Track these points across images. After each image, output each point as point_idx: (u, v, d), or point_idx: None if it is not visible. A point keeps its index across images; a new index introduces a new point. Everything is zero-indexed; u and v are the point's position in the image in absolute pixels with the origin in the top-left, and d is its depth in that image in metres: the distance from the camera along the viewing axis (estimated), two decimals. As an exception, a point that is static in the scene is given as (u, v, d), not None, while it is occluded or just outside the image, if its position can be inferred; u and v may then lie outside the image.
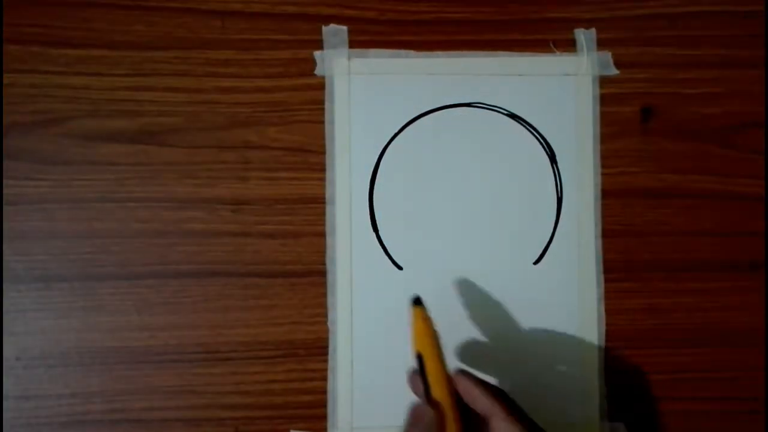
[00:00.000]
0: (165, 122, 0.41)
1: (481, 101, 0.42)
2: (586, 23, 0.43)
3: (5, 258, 0.40)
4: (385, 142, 0.42)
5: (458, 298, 0.41)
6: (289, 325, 0.41)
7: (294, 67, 0.42)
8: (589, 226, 0.42)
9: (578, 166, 0.42)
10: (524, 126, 0.42)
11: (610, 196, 0.42)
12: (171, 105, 0.41)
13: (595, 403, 0.41)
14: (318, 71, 0.42)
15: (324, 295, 0.41)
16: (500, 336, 0.41)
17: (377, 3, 0.42)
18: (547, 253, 0.42)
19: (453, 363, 0.39)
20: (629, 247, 0.42)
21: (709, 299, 0.42)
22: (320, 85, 0.42)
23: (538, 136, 0.42)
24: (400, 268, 0.41)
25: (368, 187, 0.42)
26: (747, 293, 0.42)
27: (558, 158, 0.42)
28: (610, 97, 0.43)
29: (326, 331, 0.41)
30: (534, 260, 0.42)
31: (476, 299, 0.41)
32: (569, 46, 0.43)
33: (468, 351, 0.41)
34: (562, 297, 0.41)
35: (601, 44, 0.43)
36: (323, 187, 0.41)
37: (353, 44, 0.42)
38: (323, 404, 0.41)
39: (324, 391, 0.41)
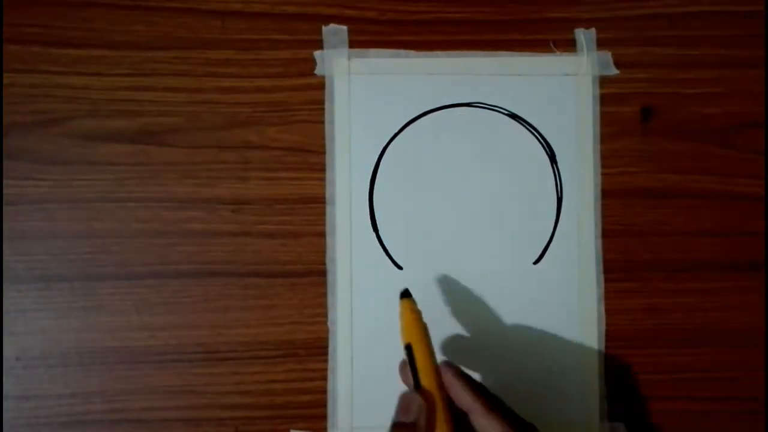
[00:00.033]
0: (165, 122, 0.41)
1: (481, 101, 0.42)
2: (586, 23, 0.43)
3: (5, 258, 0.40)
4: (385, 142, 0.42)
5: (458, 298, 0.41)
6: (289, 325, 0.41)
7: (294, 67, 0.42)
8: (589, 226, 0.42)
9: (578, 166, 0.42)
10: (524, 126, 0.42)
11: (610, 196, 0.42)
12: (171, 105, 0.41)
13: (595, 403, 0.41)
14: (318, 71, 0.42)
15: (324, 295, 0.41)
16: (500, 336, 0.41)
17: (377, 3, 0.43)
18: (547, 253, 0.42)
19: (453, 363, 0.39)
20: (629, 247, 0.42)
21: (709, 299, 0.42)
22: (320, 85, 0.42)
23: (538, 136, 0.42)
24: (400, 268, 0.41)
25: (368, 187, 0.42)
26: (747, 293, 0.42)
27: (558, 158, 0.42)
28: (610, 97, 0.43)
29: (326, 331, 0.41)
30: (534, 260, 0.42)
31: (476, 299, 0.41)
32: (569, 46, 0.43)
33: (468, 350, 0.41)
34: (562, 297, 0.41)
35: (601, 44, 0.43)
36: (323, 187, 0.41)
37: (353, 44, 0.42)
38: (323, 404, 0.41)
39: (324, 391, 0.41)
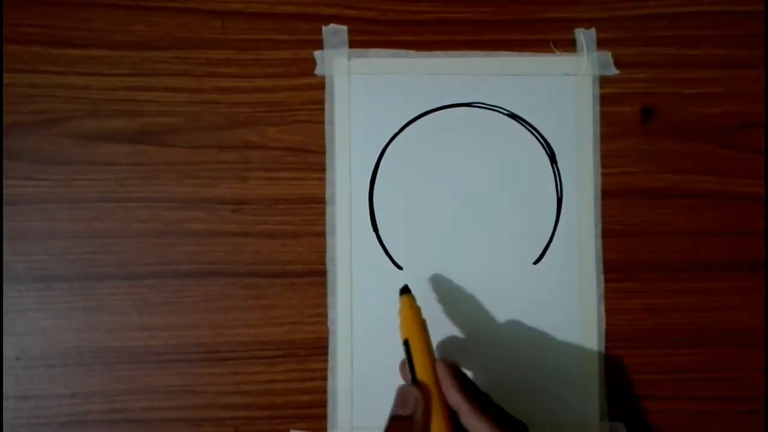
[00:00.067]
0: (165, 122, 0.41)
1: (481, 101, 0.42)
2: (586, 23, 0.43)
3: (5, 258, 0.40)
4: (385, 142, 0.42)
5: (458, 298, 0.41)
6: (289, 325, 0.41)
7: (294, 67, 0.42)
8: (589, 226, 0.42)
9: (578, 166, 0.42)
10: (524, 126, 0.42)
11: (610, 196, 0.42)
12: (171, 105, 0.41)
13: (595, 403, 0.41)
14: (318, 71, 0.42)
15: (324, 295, 0.41)
16: (500, 336, 0.41)
17: (377, 3, 0.43)
18: (547, 253, 0.42)
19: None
20: (629, 247, 0.42)
21: (709, 299, 0.42)
22: (320, 85, 0.42)
23: (538, 136, 0.42)
24: (400, 268, 0.41)
25: (368, 187, 0.42)
26: (747, 293, 0.42)
27: (558, 158, 0.42)
28: (610, 97, 0.43)
29: (326, 331, 0.41)
30: (534, 260, 0.42)
31: (476, 299, 0.41)
32: (569, 46, 0.43)
33: (468, 350, 0.41)
34: (562, 297, 0.41)
35: (601, 44, 0.43)
36: (323, 187, 0.41)
37: (353, 44, 0.42)
38: (323, 404, 0.41)
39: (324, 391, 0.41)
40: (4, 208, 0.41)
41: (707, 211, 0.42)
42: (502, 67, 0.42)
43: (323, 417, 0.41)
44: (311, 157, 0.42)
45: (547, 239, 0.42)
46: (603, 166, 0.42)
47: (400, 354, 0.37)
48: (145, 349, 0.40)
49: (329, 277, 0.41)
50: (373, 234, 0.41)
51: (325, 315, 0.41)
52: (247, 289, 0.41)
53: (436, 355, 0.36)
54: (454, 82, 0.42)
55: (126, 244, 0.41)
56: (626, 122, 0.42)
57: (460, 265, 0.41)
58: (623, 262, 0.42)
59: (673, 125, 0.43)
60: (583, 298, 0.41)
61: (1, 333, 0.40)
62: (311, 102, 0.42)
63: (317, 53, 0.42)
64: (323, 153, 0.42)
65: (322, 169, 0.42)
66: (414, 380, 0.34)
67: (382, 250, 0.41)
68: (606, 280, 0.42)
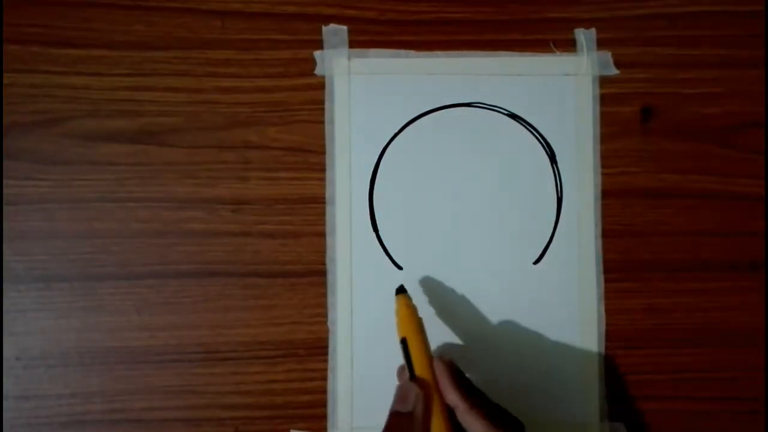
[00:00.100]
0: (165, 122, 0.41)
1: (481, 101, 0.42)
2: (586, 23, 0.43)
3: (5, 258, 0.40)
4: (385, 142, 0.42)
5: (458, 298, 0.41)
6: (289, 325, 0.41)
7: (294, 67, 0.42)
8: (589, 226, 0.42)
9: (578, 166, 0.42)
10: (524, 126, 0.42)
11: (610, 196, 0.42)
12: (171, 105, 0.41)
13: (595, 403, 0.41)
14: (318, 71, 0.42)
15: (324, 295, 0.41)
16: (500, 336, 0.41)
17: (377, 3, 0.43)
18: (547, 253, 0.42)
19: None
20: (629, 247, 0.42)
21: (709, 299, 0.42)
22: (320, 85, 0.42)
23: (538, 136, 0.42)
24: (400, 268, 0.41)
25: (368, 187, 0.42)
26: (747, 293, 0.42)
27: (558, 158, 0.42)
28: (610, 97, 0.43)
29: (326, 331, 0.41)
30: (534, 260, 0.42)
31: (476, 299, 0.41)
32: (569, 46, 0.43)
33: (467, 350, 0.41)
34: (562, 297, 0.41)
35: (601, 44, 0.43)
36: (323, 187, 0.41)
37: (353, 44, 0.42)
38: (323, 404, 0.41)
39: (324, 391, 0.41)
40: (4, 208, 0.41)
41: (707, 211, 0.42)
42: (502, 67, 0.42)
43: (323, 417, 0.41)
44: (311, 157, 0.42)
45: (547, 239, 0.42)
46: (603, 166, 0.42)
47: (400, 354, 0.37)
48: (145, 349, 0.40)
49: (329, 277, 0.41)
50: (373, 234, 0.41)
51: (325, 315, 0.41)
52: (247, 289, 0.41)
53: (434, 354, 0.36)
54: (454, 82, 0.42)
55: (126, 244, 0.41)
56: (626, 122, 0.42)
57: (460, 265, 0.41)
58: (623, 262, 0.42)
59: (673, 125, 0.43)
60: (583, 298, 0.41)
61: (1, 333, 0.40)
62: (311, 102, 0.42)
63: (317, 53, 0.42)
64: (323, 153, 0.42)
65: (322, 169, 0.42)
66: (412, 378, 0.35)
67: (382, 250, 0.41)
68: (606, 280, 0.42)
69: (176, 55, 0.42)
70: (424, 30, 0.42)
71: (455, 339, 0.41)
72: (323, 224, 0.41)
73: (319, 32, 0.42)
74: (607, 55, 0.43)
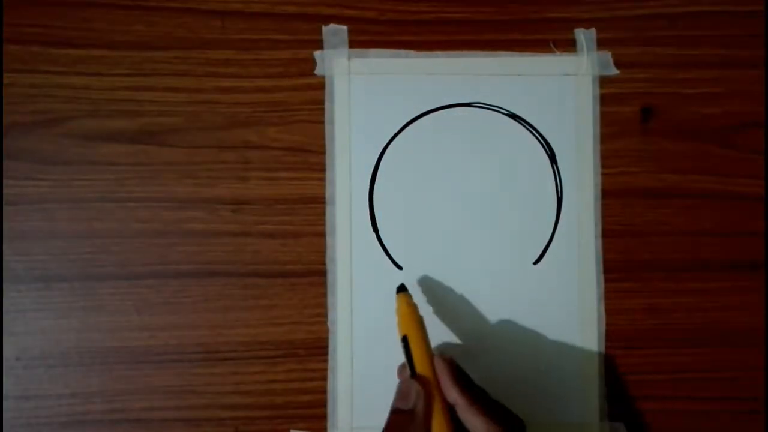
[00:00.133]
0: (165, 122, 0.41)
1: (481, 101, 0.42)
2: (586, 23, 0.43)
3: (5, 258, 0.40)
4: (385, 142, 0.42)
5: (458, 298, 0.41)
6: (289, 325, 0.41)
7: (294, 67, 0.42)
8: (589, 226, 0.42)
9: (578, 166, 0.42)
10: (524, 126, 0.42)
11: (610, 196, 0.42)
12: (171, 105, 0.41)
13: (595, 403, 0.41)
14: (318, 71, 0.42)
15: (324, 295, 0.41)
16: (500, 336, 0.41)
17: (377, 3, 0.42)
18: (547, 253, 0.42)
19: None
20: (629, 247, 0.42)
21: (709, 299, 0.42)
22: (320, 85, 0.42)
23: (538, 136, 0.42)
24: (400, 268, 0.41)
25: (368, 187, 0.42)
26: (747, 293, 0.42)
27: (558, 158, 0.42)
28: (610, 97, 0.43)
29: (326, 331, 0.41)
30: (534, 260, 0.42)
31: (476, 299, 0.41)
32: (569, 46, 0.43)
33: (467, 350, 0.41)
34: (562, 297, 0.41)
35: (601, 44, 0.43)
36: (323, 187, 0.41)
37: (353, 44, 0.42)
38: (323, 404, 0.41)
39: (324, 391, 0.41)
40: (4, 208, 0.41)
41: (707, 211, 0.42)
42: (502, 67, 0.42)
43: (323, 417, 0.41)
44: (311, 157, 0.42)
45: (547, 239, 0.42)
46: (603, 166, 0.42)
47: (400, 354, 0.37)
48: (145, 349, 0.40)
49: (329, 277, 0.41)
50: (373, 234, 0.41)
51: (325, 315, 0.41)
52: (247, 289, 0.41)
53: (434, 352, 0.36)
54: (454, 82, 0.42)
55: (126, 244, 0.41)
56: (626, 122, 0.42)
57: (460, 265, 0.41)
58: (623, 262, 0.42)
59: (673, 125, 0.43)
60: (583, 298, 0.41)
61: (1, 333, 0.40)
62: (311, 102, 0.42)
63: (317, 53, 0.42)
64: (323, 153, 0.42)
65: (322, 169, 0.42)
66: (413, 376, 0.35)
67: (382, 250, 0.41)
68: (606, 280, 0.42)
69: (176, 55, 0.42)
70: (424, 30, 0.42)
71: (455, 339, 0.41)
72: (323, 224, 0.41)
73: (319, 32, 0.42)
74: (607, 55, 0.43)
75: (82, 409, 0.40)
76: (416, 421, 0.33)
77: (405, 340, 0.36)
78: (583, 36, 0.43)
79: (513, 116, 0.42)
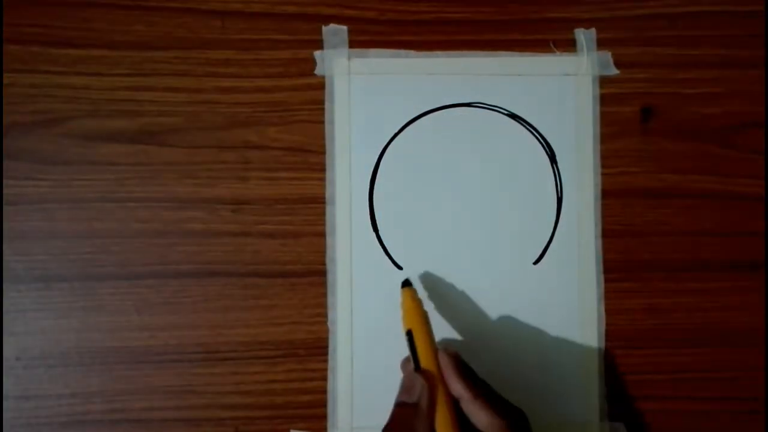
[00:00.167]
0: (165, 122, 0.41)
1: (481, 101, 0.42)
2: (586, 23, 0.43)
3: (5, 258, 0.40)
4: (385, 142, 0.42)
5: (458, 298, 0.41)
6: (289, 325, 0.41)
7: (294, 67, 0.42)
8: (589, 226, 0.42)
9: (578, 166, 0.42)
10: (524, 126, 0.42)
11: (610, 196, 0.42)
12: (171, 105, 0.41)
13: (595, 403, 0.41)
14: (318, 71, 0.42)
15: (324, 295, 0.41)
16: (500, 336, 0.41)
17: (377, 3, 0.42)
18: (547, 253, 0.42)
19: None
20: (629, 247, 0.42)
21: (709, 299, 0.42)
22: (320, 85, 0.42)
23: (538, 136, 0.42)
24: (400, 268, 0.41)
25: (368, 187, 0.42)
26: (747, 293, 0.42)
27: (558, 158, 0.42)
28: (610, 97, 0.43)
29: (326, 331, 0.41)
30: (534, 260, 0.42)
31: (476, 299, 0.41)
32: (569, 46, 0.43)
33: (468, 350, 0.41)
34: (562, 297, 0.41)
35: (601, 44, 0.43)
36: (323, 187, 0.41)
37: (353, 44, 0.42)
38: (323, 404, 0.41)
39: (324, 391, 0.41)
40: (4, 208, 0.40)
41: (707, 211, 0.42)
42: (502, 67, 0.42)
43: (323, 417, 0.41)
44: (311, 157, 0.42)
45: (547, 239, 0.42)
46: (603, 166, 0.42)
47: (400, 354, 0.37)
48: (145, 349, 0.40)
49: (329, 277, 0.41)
50: (373, 234, 0.41)
51: (325, 315, 0.41)
52: (247, 289, 0.41)
53: (438, 346, 0.36)
54: (454, 82, 0.42)
55: (126, 244, 0.41)
56: (626, 122, 0.42)
57: (460, 265, 0.41)
58: (623, 262, 0.42)
59: (673, 125, 0.43)
60: (583, 298, 0.41)
61: (1, 333, 0.40)
62: (311, 102, 0.42)
63: (317, 53, 0.42)
64: (323, 153, 0.42)
65: (322, 169, 0.42)
66: (417, 370, 0.35)
67: (382, 250, 0.41)
68: (606, 280, 0.42)
69: (176, 55, 0.42)
70: (424, 30, 0.42)
71: (455, 339, 0.41)
72: (323, 224, 0.41)
73: (319, 32, 0.42)
74: (607, 55, 0.43)
75: (82, 409, 0.40)
76: (420, 414, 0.33)
77: (409, 334, 0.36)
78: (583, 36, 0.43)
79: (513, 116, 0.42)
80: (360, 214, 0.41)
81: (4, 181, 0.41)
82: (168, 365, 0.40)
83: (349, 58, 0.42)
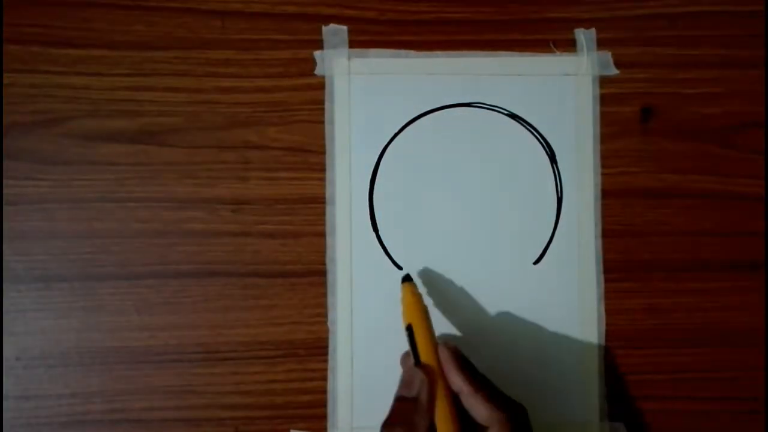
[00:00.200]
0: (165, 122, 0.41)
1: (481, 101, 0.42)
2: (586, 23, 0.43)
3: (5, 258, 0.40)
4: (385, 142, 0.42)
5: (458, 298, 0.41)
6: (289, 325, 0.41)
7: (294, 67, 0.42)
8: (589, 226, 0.42)
9: (578, 166, 0.42)
10: (524, 126, 0.42)
11: (610, 196, 0.42)
12: (171, 105, 0.41)
13: (595, 403, 0.41)
14: (318, 71, 0.42)
15: (324, 295, 0.41)
16: (500, 336, 0.41)
17: (377, 3, 0.42)
18: (547, 253, 0.42)
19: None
20: (629, 247, 0.42)
21: (709, 299, 0.42)
22: (320, 85, 0.42)
23: (538, 136, 0.42)
24: (400, 268, 0.41)
25: (368, 187, 0.42)
26: (747, 293, 0.42)
27: (558, 158, 0.42)
28: (610, 97, 0.43)
29: (326, 331, 0.41)
30: (534, 260, 0.42)
31: (476, 299, 0.41)
32: (569, 46, 0.43)
33: (468, 350, 0.41)
34: (562, 297, 0.41)
35: (601, 44, 0.43)
36: (323, 187, 0.41)
37: (353, 44, 0.42)
38: (323, 404, 0.41)
39: (324, 391, 0.41)
40: (4, 208, 0.40)
41: (707, 211, 0.42)
42: (502, 67, 0.42)
43: (323, 417, 0.41)
44: (311, 157, 0.42)
45: (547, 239, 0.42)
46: (603, 166, 0.42)
47: (401, 352, 0.37)
48: (145, 349, 0.40)
49: (329, 277, 0.41)
50: (373, 234, 0.41)
51: (325, 315, 0.41)
52: (247, 289, 0.41)
53: (438, 341, 0.36)
54: (454, 82, 0.42)
55: (126, 244, 0.41)
56: (626, 122, 0.42)
57: (460, 265, 0.41)
58: (623, 262, 0.42)
59: (673, 125, 0.43)
60: (583, 298, 0.41)
61: (1, 333, 0.40)
62: (311, 102, 0.42)
63: (317, 53, 0.42)
64: (323, 153, 0.42)
65: (322, 169, 0.42)
66: (417, 364, 0.35)
67: (382, 250, 0.41)
68: (606, 280, 0.42)
69: (176, 55, 0.42)
70: (424, 30, 0.42)
71: (455, 339, 0.41)
72: (323, 224, 0.41)
73: (319, 32, 0.42)
74: (607, 55, 0.43)
75: (82, 409, 0.40)
76: (420, 408, 0.33)
77: (409, 328, 0.36)
78: (583, 36, 0.43)
79: (513, 116, 0.42)
80: (360, 214, 0.41)
81: (4, 181, 0.41)
82: (168, 365, 0.40)
83: (349, 58, 0.42)
